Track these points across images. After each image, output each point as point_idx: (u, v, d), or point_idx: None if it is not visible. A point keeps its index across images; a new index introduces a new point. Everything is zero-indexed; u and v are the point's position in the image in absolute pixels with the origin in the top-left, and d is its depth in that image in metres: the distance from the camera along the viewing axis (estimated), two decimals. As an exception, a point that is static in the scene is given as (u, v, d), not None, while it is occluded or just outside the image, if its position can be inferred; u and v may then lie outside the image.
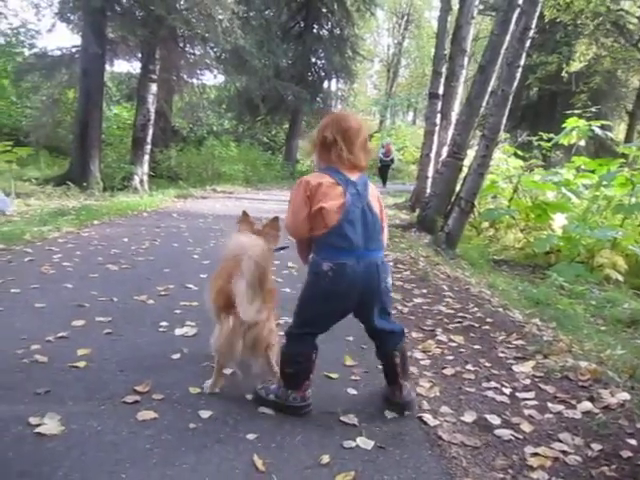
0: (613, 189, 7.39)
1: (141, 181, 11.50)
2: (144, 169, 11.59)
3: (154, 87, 11.59)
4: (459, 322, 3.34)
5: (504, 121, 6.50)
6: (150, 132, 11.68)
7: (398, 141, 24.21)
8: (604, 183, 7.45)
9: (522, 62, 6.25)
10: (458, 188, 7.73)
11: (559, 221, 7.71)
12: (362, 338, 2.77)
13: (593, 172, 8.55)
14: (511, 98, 6.35)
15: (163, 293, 3.29)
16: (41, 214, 6.65)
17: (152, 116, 11.66)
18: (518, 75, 6.28)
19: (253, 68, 14.19)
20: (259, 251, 1.89)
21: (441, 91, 10.27)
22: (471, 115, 7.70)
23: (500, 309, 3.77)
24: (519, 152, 10.05)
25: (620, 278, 6.29)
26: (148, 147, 11.74)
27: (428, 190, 10.29)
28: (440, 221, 7.89)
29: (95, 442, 1.67)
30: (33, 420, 1.73)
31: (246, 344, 1.97)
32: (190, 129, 18.25)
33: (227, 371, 2.19)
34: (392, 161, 18.08)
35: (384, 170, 17.82)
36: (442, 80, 10.25)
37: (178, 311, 2.98)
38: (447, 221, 7.09)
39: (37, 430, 1.68)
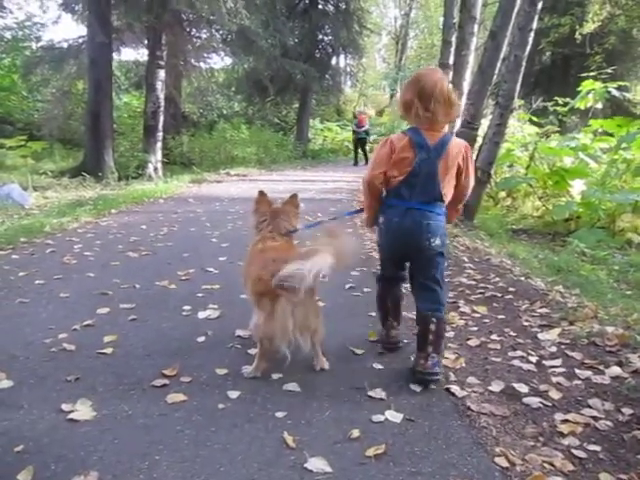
0: (632, 151, 7.22)
1: (155, 168, 11.54)
2: (157, 156, 11.62)
3: (162, 73, 11.54)
4: (481, 293, 3.31)
5: (518, 88, 6.37)
6: (161, 119, 11.68)
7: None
8: (623, 145, 7.29)
9: (534, 26, 6.10)
10: (474, 158, 7.62)
11: (578, 187, 7.58)
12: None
13: (612, 135, 8.38)
14: (524, 64, 6.21)
15: (184, 278, 3.31)
16: (59, 205, 6.71)
17: (162, 103, 11.64)
18: (531, 40, 6.13)
19: (260, 48, 14.04)
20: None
21: (452, 61, 10.05)
22: (484, 84, 7.53)
23: (522, 278, 3.73)
24: (534, 119, 9.88)
25: (643, 241, 6.19)
26: (160, 134, 11.75)
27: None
28: (457, 193, 7.80)
29: (127, 426, 1.69)
30: (65, 407, 1.76)
31: (296, 323, 1.98)
32: (200, 114, 18.22)
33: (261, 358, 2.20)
34: (367, 133, 15.81)
35: (361, 143, 15.78)
36: (452, 49, 10.02)
37: (200, 295, 3.00)
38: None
39: (70, 416, 1.71)
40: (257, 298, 2.07)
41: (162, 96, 11.62)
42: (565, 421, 1.85)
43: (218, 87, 18.09)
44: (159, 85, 11.56)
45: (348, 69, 21.59)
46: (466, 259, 4.22)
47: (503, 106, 6.34)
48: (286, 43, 15.70)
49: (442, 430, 1.74)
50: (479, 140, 7.68)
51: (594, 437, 1.77)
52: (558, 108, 8.92)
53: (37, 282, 3.11)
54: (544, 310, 2.96)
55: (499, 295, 3.25)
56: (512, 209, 9.36)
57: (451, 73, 10.15)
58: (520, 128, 8.75)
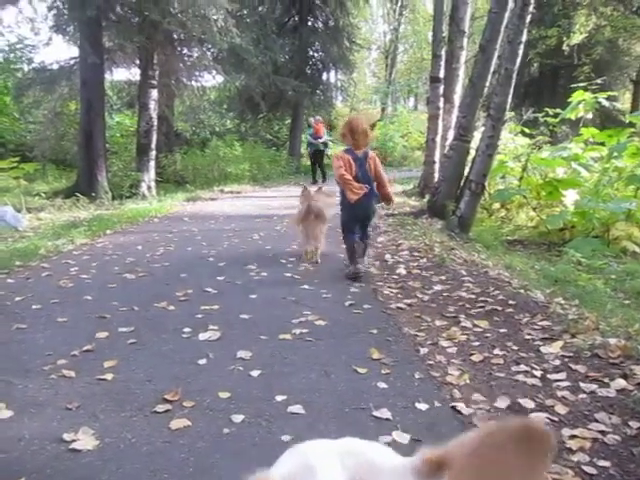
0: (624, 160, 7.29)
1: (149, 187, 11.54)
2: (151, 175, 11.62)
3: (155, 93, 11.59)
4: (481, 307, 3.30)
5: (509, 100, 6.42)
6: (154, 138, 11.70)
7: (401, 128, 24.05)
8: (614, 154, 7.36)
9: (524, 39, 6.16)
10: (467, 171, 7.67)
11: (571, 197, 7.63)
12: (385, 331, 2.78)
13: (602, 144, 8.45)
14: (515, 76, 6.27)
15: (183, 298, 3.28)
16: (54, 227, 6.67)
17: (155, 122, 11.68)
18: (520, 52, 6.19)
19: (251, 66, 14.16)
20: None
21: (442, 74, 10.17)
22: (475, 96, 7.61)
23: (521, 290, 3.73)
24: (526, 130, 9.96)
25: (637, 250, 6.23)
26: (153, 153, 11.77)
27: (436, 175, 10.23)
28: (451, 206, 7.83)
29: (131, 454, 1.66)
30: (67, 436, 1.73)
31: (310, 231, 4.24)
32: (193, 131, 18.30)
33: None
34: (325, 145, 13.85)
35: (317, 156, 13.59)
36: (442, 63, 10.15)
37: (199, 315, 2.98)
38: (458, 205, 7.03)
39: (72, 446, 1.68)
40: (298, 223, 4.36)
41: (155, 115, 11.66)
42: (573, 437, 1.83)
43: (210, 105, 18.19)
44: (152, 104, 11.60)
45: (339, 84, 21.77)
46: (464, 272, 4.22)
47: (495, 118, 6.38)
48: (277, 60, 15.82)
49: (450, 450, 1.72)
50: (472, 152, 7.75)
51: (603, 452, 1.75)
52: (548, 119, 9.00)
53: (34, 307, 3.07)
54: (545, 323, 2.95)
55: (499, 309, 3.24)
56: (506, 220, 9.38)
57: (442, 87, 10.28)
58: (512, 140, 8.81)
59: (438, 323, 2.99)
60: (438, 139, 10.33)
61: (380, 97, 30.65)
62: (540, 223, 8.52)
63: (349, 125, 3.82)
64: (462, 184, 7.80)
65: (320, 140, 13.47)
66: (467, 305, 3.35)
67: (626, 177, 7.20)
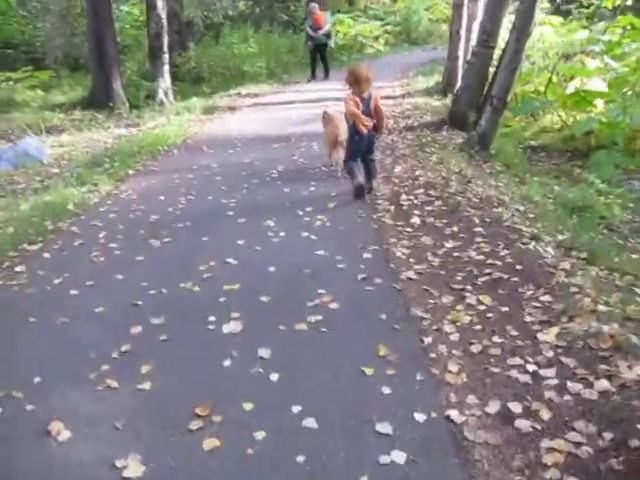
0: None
1: (165, 93, 11.39)
2: (166, 80, 11.43)
3: (161, -11, 10.99)
4: (488, 274, 3.46)
5: (537, 9, 5.98)
6: (165, 40, 11.33)
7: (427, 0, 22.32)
8: None
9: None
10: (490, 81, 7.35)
11: (599, 104, 7.35)
12: (393, 315, 3.00)
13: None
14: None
15: (206, 275, 3.52)
16: (76, 161, 6.85)
17: (165, 22, 11.22)
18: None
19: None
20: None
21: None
22: (501, -3, 7.05)
23: (531, 245, 3.84)
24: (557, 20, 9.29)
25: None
26: (166, 56, 11.45)
27: (459, 71, 9.79)
28: (472, 116, 7.63)
29: (171, 481, 2.00)
30: (119, 463, 2.06)
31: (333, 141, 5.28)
32: (205, 16, 17.41)
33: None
34: (328, 36, 12.52)
35: (320, 50, 12.45)
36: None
37: (222, 299, 3.23)
38: (479, 120, 6.85)
39: (124, 474, 2.01)
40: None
41: (164, 15, 11.17)
42: (550, 450, 2.09)
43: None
44: (159, 4, 11.08)
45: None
46: (477, 220, 4.31)
47: (519, 29, 6.00)
48: None
49: (439, 469, 2.01)
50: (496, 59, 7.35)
51: (574, 467, 2.02)
52: (583, 10, 8.33)
53: (72, 292, 3.37)
54: (547, 298, 3.12)
55: (505, 277, 3.40)
56: (532, 121, 9.13)
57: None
58: (541, 40, 8.24)
59: (444, 300, 3.18)
60: (463, 32, 9.71)
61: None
62: (565, 127, 8.29)
63: (353, 75, 4.50)
64: (484, 93, 7.53)
65: (321, 32, 12.20)
66: (475, 271, 3.51)
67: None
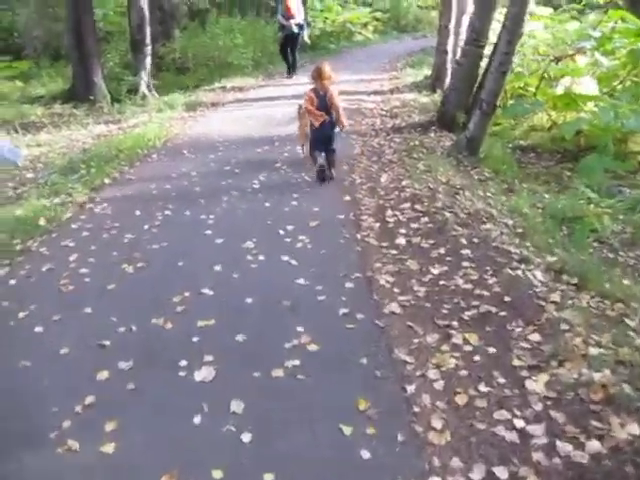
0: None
1: (148, 86, 11.08)
2: (149, 73, 11.10)
3: (142, -21, 10.61)
4: (476, 306, 3.32)
5: (527, 11, 5.78)
6: (147, 31, 10.99)
7: (417, -15, 21.91)
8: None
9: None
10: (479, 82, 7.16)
11: (589, 105, 7.20)
12: (375, 359, 2.85)
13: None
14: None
15: (179, 309, 3.34)
16: (52, 164, 6.60)
17: (147, 13, 10.86)
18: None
19: None
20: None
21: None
22: (491, -7, 6.82)
23: (520, 271, 3.70)
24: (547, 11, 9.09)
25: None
26: (148, 48, 11.13)
27: (448, 67, 9.59)
28: (461, 117, 7.45)
29: None
30: None
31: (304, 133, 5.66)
32: (191, 3, 16.94)
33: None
34: (301, 27, 10.79)
35: (291, 42, 10.96)
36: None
37: (195, 338, 3.06)
38: (468, 123, 6.68)
39: None
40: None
41: (146, 7, 10.81)
42: (538, 528, 1.97)
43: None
44: (142, -7, 10.70)
45: None
46: (464, 240, 4.16)
47: (511, 31, 5.80)
48: None
49: None
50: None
51: None
52: (575, 5, 8.12)
53: (37, 330, 3.17)
54: (536, 337, 2.98)
55: (494, 311, 3.26)
56: (521, 120, 8.95)
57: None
58: (532, 36, 8.03)
59: (429, 339, 3.03)
60: (451, 27, 9.48)
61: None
62: (555, 126, 8.16)
63: (318, 71, 5.08)
64: (474, 94, 7.35)
65: (293, 21, 10.56)
66: (462, 303, 3.36)
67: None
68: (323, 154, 5.32)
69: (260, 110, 8.97)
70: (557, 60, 7.07)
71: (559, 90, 7.17)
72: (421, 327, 3.14)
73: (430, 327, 3.15)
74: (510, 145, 7.83)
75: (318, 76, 5.03)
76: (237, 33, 13.10)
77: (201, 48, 13.24)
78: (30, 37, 12.79)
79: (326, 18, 19.84)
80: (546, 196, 5.84)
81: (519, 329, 3.08)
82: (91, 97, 10.42)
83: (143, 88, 10.96)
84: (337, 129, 5.29)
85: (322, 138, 5.24)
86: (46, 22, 12.61)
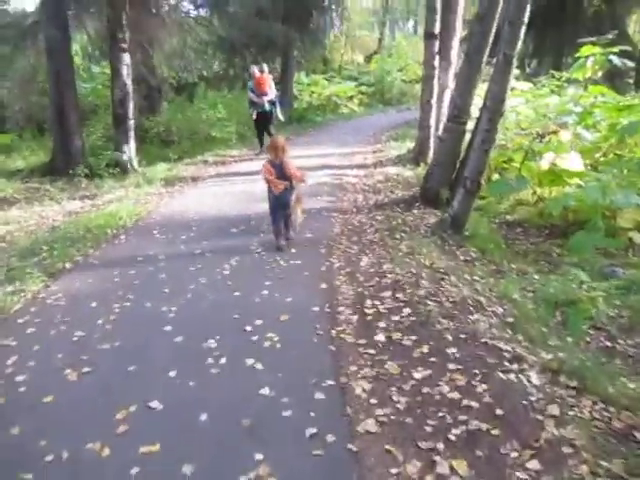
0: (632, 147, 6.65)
1: (130, 161, 10.94)
2: (131, 148, 10.99)
3: (127, 57, 10.76)
4: (464, 422, 2.88)
5: (508, 90, 5.67)
6: (131, 106, 10.97)
7: (399, 60, 22.65)
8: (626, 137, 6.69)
9: (526, 19, 5.32)
10: (462, 158, 7.02)
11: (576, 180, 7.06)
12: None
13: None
14: (515, 62, 5.49)
15: (122, 429, 2.87)
16: (16, 245, 6.24)
17: (130, 89, 10.88)
18: (521, 34, 5.36)
19: (232, 14, 13.03)
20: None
21: (437, 30, 9.18)
22: (471, 72, 6.80)
23: (512, 375, 3.30)
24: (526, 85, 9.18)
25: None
26: (131, 122, 11.07)
27: (432, 141, 9.56)
28: (445, 193, 7.26)
29: None
30: None
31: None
32: (180, 77, 17.23)
33: None
34: (273, 104, 10.85)
35: (264, 120, 10.87)
36: (437, 17, 9.14)
37: (134, 470, 2.58)
38: (452, 199, 6.46)
39: None
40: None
41: (129, 82, 10.84)
42: None
43: (195, 51, 17.04)
44: (125, 70, 10.81)
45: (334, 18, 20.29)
46: (451, 337, 3.76)
47: (491, 110, 5.68)
48: (261, 4, 14.53)
49: None
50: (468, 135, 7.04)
51: None
52: (554, 81, 8.16)
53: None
54: (535, 465, 2.54)
55: (484, 428, 2.82)
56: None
57: (437, 43, 9.31)
58: (514, 112, 8.01)
59: (410, 469, 2.58)
60: (434, 101, 9.52)
61: (377, 21, 28.73)
62: (541, 201, 8.01)
63: (274, 144, 5.61)
64: (457, 168, 7.20)
65: (266, 98, 10.60)
66: (448, 418, 2.93)
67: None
68: (282, 224, 5.73)
69: (239, 186, 8.76)
70: (541, 137, 6.95)
71: (544, 165, 7.03)
72: (401, 451, 2.69)
73: (411, 451, 2.69)
74: (496, 220, 7.65)
75: (274, 148, 5.53)
76: (221, 107, 13.15)
77: (185, 122, 13.28)
78: (13, 110, 12.77)
79: (312, 92, 20.30)
80: (536, 277, 5.53)
81: (514, 453, 2.64)
82: (70, 171, 10.26)
83: (124, 163, 10.82)
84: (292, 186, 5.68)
85: (281, 203, 5.64)
86: (30, 95, 12.61)
